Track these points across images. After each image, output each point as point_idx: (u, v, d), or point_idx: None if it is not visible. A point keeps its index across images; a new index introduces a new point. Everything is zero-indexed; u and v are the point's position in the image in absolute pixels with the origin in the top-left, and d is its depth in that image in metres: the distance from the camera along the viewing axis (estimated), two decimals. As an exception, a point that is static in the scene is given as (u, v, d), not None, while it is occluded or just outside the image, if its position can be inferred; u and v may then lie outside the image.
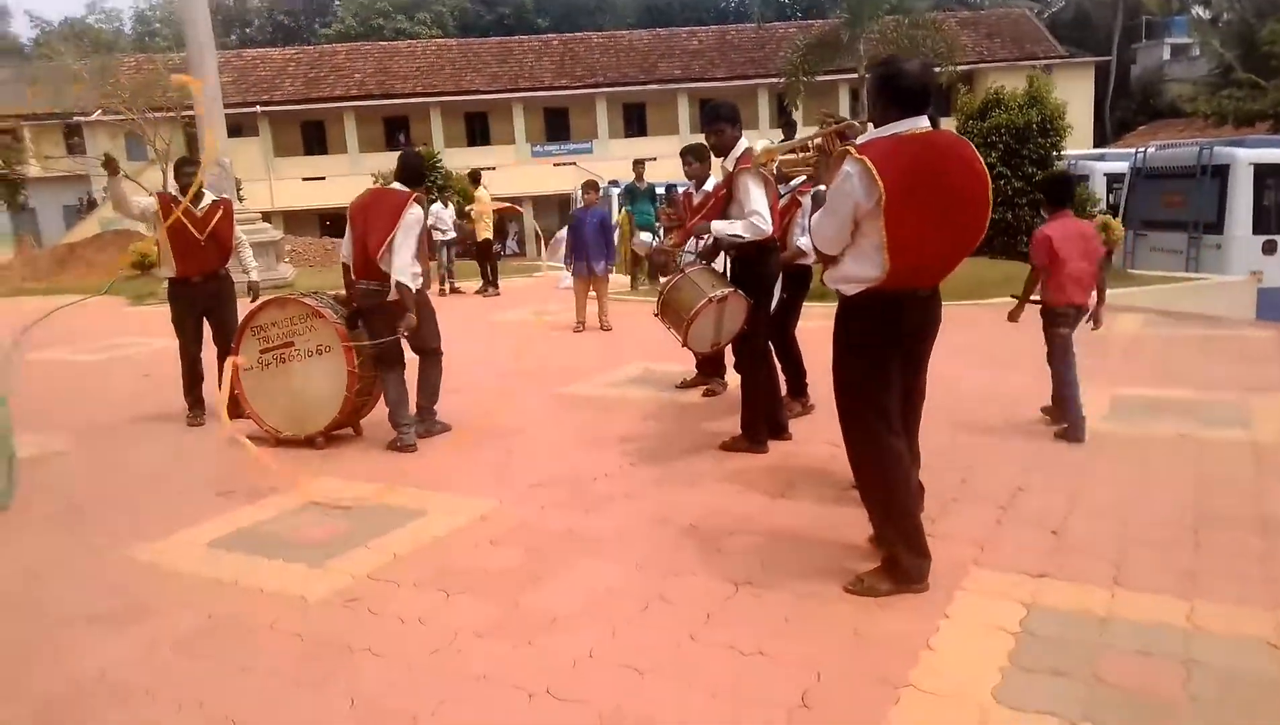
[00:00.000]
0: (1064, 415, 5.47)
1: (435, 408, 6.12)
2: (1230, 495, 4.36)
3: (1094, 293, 5.59)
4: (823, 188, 3.65)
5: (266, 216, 23.45)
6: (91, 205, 34.98)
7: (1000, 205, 14.07)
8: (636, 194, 13.66)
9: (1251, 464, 4.78)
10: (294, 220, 33.48)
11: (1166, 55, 47.35)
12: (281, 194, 34.15)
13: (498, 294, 14.05)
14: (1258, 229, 13.06)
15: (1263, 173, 13.33)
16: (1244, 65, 36.31)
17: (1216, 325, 8.78)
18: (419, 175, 5.97)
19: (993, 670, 2.94)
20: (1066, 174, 11.71)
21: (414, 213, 5.64)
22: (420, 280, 5.79)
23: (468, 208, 14.44)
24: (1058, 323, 5.54)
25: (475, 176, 14.87)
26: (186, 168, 6.63)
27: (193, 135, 26.49)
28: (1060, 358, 5.55)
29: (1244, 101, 32.81)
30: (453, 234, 14.61)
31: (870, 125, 3.56)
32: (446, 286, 14.38)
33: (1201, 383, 6.44)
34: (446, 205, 14.91)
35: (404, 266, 5.53)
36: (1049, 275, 5.48)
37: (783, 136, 8.96)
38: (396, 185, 5.83)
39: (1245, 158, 13.34)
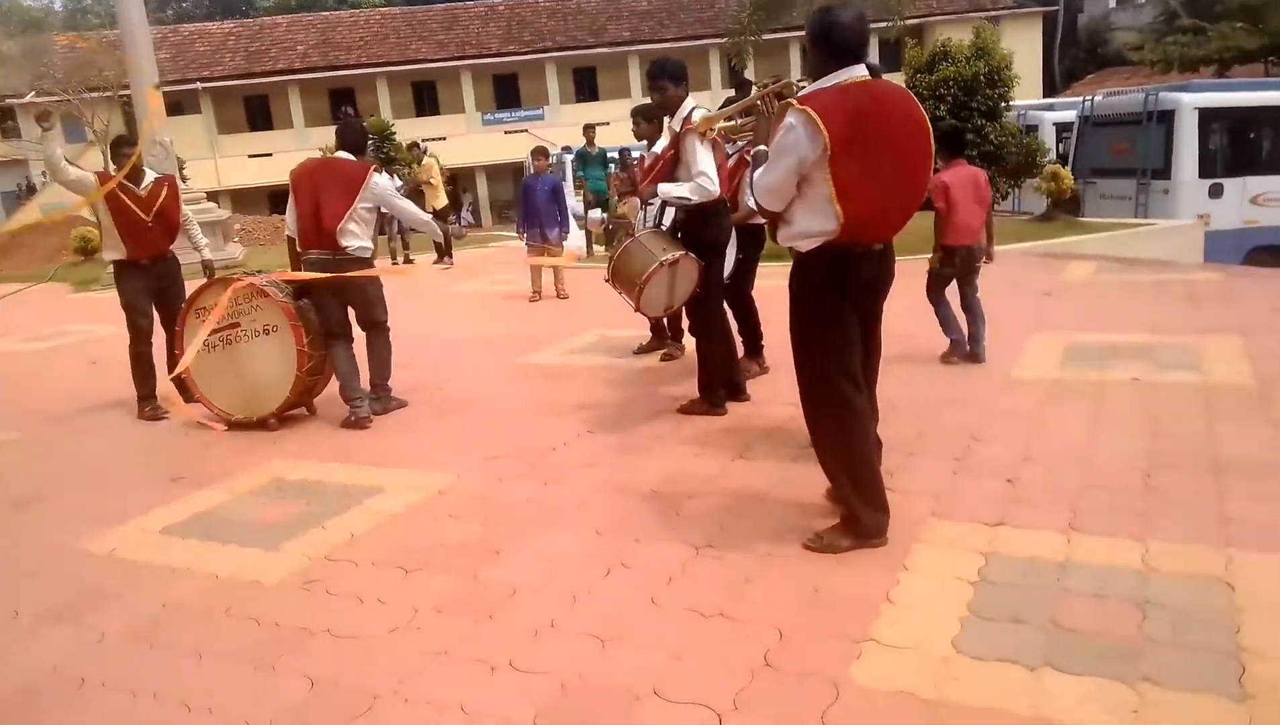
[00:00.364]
0: (953, 343, 6.07)
1: (389, 383, 6.02)
2: (1183, 437, 4.42)
3: (984, 234, 6.12)
4: (763, 148, 3.58)
5: (213, 196, 22.98)
6: (30, 190, 34.03)
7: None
8: (588, 159, 13.54)
9: (1203, 406, 4.84)
10: (242, 198, 32.81)
11: (1112, 3, 47.65)
12: (228, 172, 33.44)
13: (451, 265, 13.87)
14: (1204, 173, 13.22)
15: (1207, 117, 13.46)
16: (1188, 11, 36.60)
17: (1166, 269, 8.89)
18: (362, 142, 5.89)
19: (953, 621, 2.95)
20: (958, 127, 11.91)
21: (380, 180, 5.77)
22: (369, 251, 5.73)
23: (409, 174, 14.26)
24: (947, 262, 6.01)
25: (414, 146, 14.81)
26: (124, 148, 6.36)
27: (132, 114, 25.82)
28: (938, 292, 6.11)
29: (1188, 48, 33.10)
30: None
31: (808, 81, 3.52)
32: (400, 258, 14.14)
33: (1153, 327, 6.52)
34: (391, 176, 14.60)
35: (359, 233, 5.66)
36: (945, 220, 5.90)
37: (736, 97, 8.87)
38: (342, 154, 5.72)
39: (1190, 102, 13.46)
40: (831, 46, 3.30)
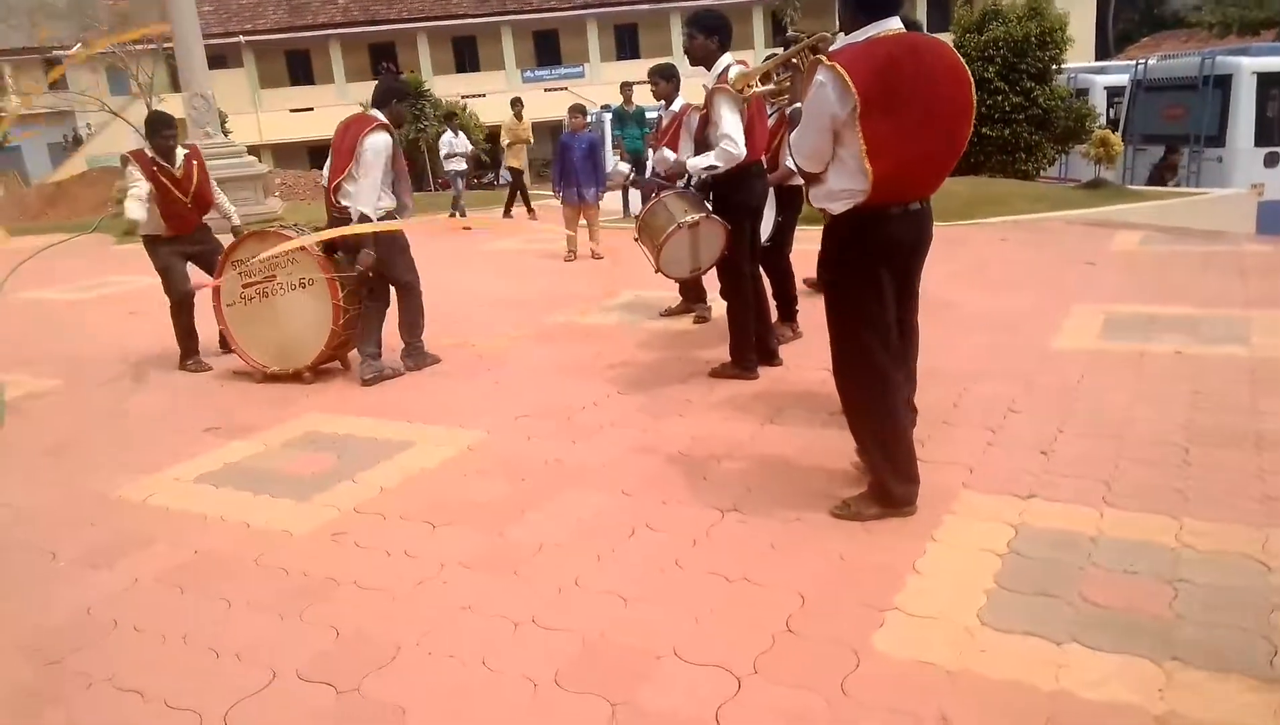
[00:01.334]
0: None
1: (421, 339, 6.01)
2: (1225, 412, 4.32)
3: None
4: (799, 105, 3.49)
5: (254, 150, 23.08)
6: (78, 141, 34.45)
7: (998, 121, 13.76)
8: (625, 118, 13.40)
9: (1248, 381, 4.72)
10: (282, 153, 33.02)
11: (1171, -36, 46.17)
12: (269, 127, 33.66)
13: (535, 218, 14.12)
14: (1260, 141, 12.83)
15: (1267, 82, 13.03)
16: (1250, -28, 35.45)
17: (1216, 240, 8.66)
18: (387, 96, 5.67)
19: (978, 593, 2.92)
20: None
21: (372, 140, 5.41)
22: (381, 210, 5.51)
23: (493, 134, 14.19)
24: None
25: (517, 102, 14.48)
26: (165, 130, 6.18)
27: (175, 68, 25.98)
28: None
29: (1249, 9, 32.10)
30: (463, 166, 14.53)
31: (841, 34, 3.42)
32: (457, 214, 14.24)
33: (1199, 299, 6.36)
34: (457, 133, 14.65)
35: (360, 195, 5.40)
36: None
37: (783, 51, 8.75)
38: (374, 111, 5.67)
39: (1249, 67, 13.04)
40: None
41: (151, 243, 6.32)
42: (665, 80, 5.92)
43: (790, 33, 12.12)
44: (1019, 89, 13.43)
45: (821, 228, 3.55)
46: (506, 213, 14.45)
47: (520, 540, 3.53)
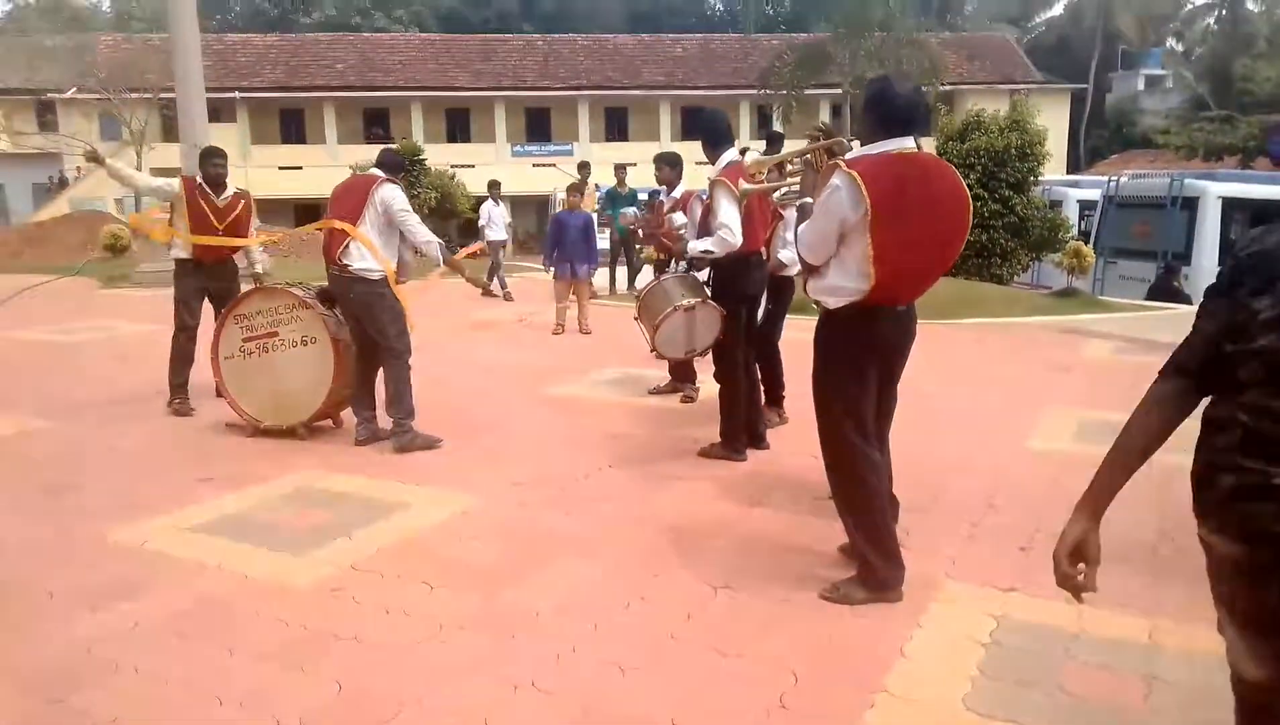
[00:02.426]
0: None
1: (408, 420, 5.71)
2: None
3: None
4: (809, 200, 3.74)
5: (243, 203, 23.25)
6: (63, 184, 34.47)
7: (975, 227, 14.26)
8: (618, 199, 13.72)
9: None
10: (268, 209, 33.00)
11: (1141, 85, 48.31)
12: (257, 182, 33.68)
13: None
14: (1224, 261, 13.36)
15: (1231, 206, 13.66)
16: (1216, 99, 37.14)
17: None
18: (397, 168, 5.89)
19: (963, 679, 3.04)
20: None
21: (389, 190, 5.60)
22: (380, 272, 5.56)
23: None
24: None
25: (584, 166, 14.00)
26: (215, 159, 6.66)
27: (170, 117, 26.28)
28: None
29: (1215, 135, 33.54)
30: (504, 235, 13.97)
31: (857, 142, 3.68)
32: (500, 292, 13.35)
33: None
34: (498, 202, 14.11)
35: (415, 233, 5.60)
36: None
37: (766, 149, 9.10)
38: (374, 170, 5.81)
39: (1215, 191, 13.67)
40: (884, 115, 3.46)
41: (180, 268, 6.67)
42: (670, 167, 6.21)
43: (780, 131, 12.62)
44: (997, 197, 13.95)
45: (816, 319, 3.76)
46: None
47: (516, 605, 3.61)
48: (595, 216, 13.52)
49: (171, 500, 4.76)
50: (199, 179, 6.59)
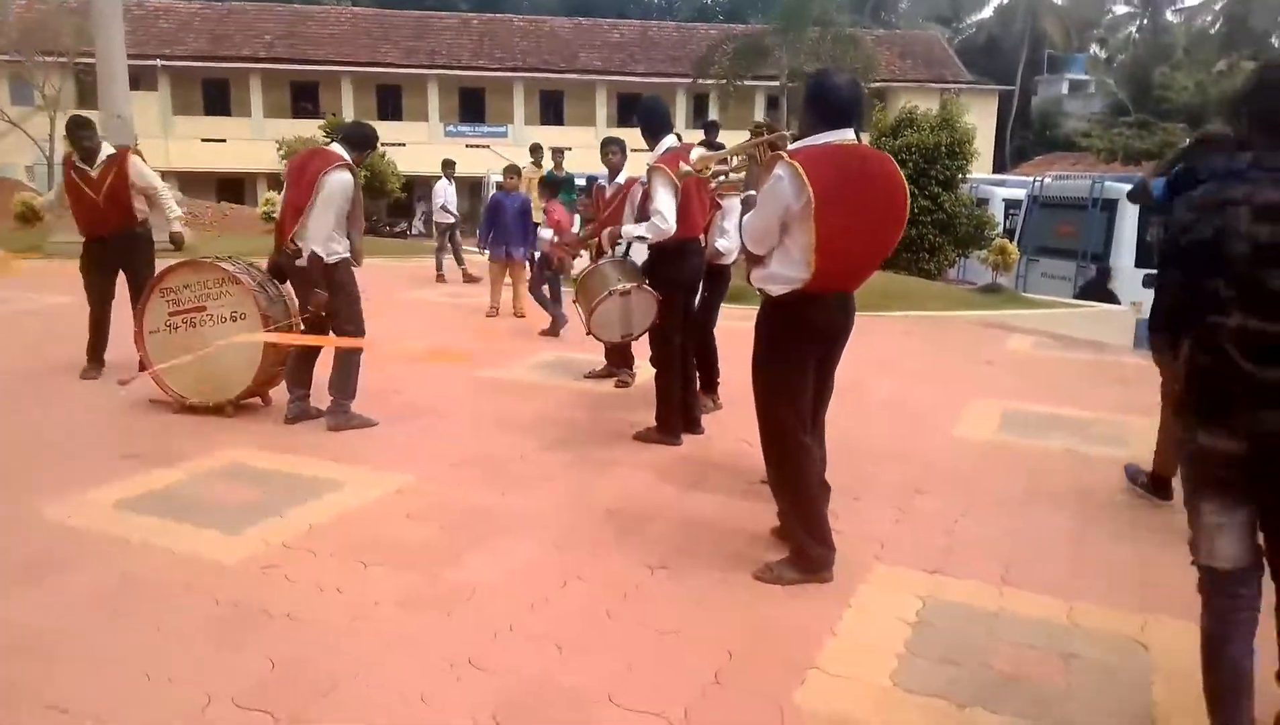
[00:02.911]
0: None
1: (347, 400, 5.66)
2: (1108, 506, 4.69)
3: None
4: (753, 192, 3.80)
5: (162, 176, 22.58)
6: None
7: (906, 222, 14.49)
8: (557, 183, 13.63)
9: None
10: (190, 181, 32.19)
11: (1065, 90, 49.73)
12: (178, 154, 32.84)
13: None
14: (1140, 262, 13.83)
15: (1147, 210, 14.13)
16: (1135, 105, 38.41)
17: (1100, 350, 9.32)
18: (366, 142, 5.63)
19: (891, 657, 3.14)
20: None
21: (336, 177, 5.32)
22: (340, 254, 5.46)
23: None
24: None
25: (535, 149, 13.73)
26: (82, 131, 6.39)
27: (86, 83, 25.31)
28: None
29: (1134, 139, 34.70)
30: (454, 218, 13.63)
31: (797, 135, 3.75)
32: (461, 271, 13.30)
33: (1086, 403, 6.86)
34: (451, 181, 13.78)
35: (317, 234, 5.30)
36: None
37: (704, 138, 9.16)
38: (335, 147, 5.58)
39: (1132, 193, 14.11)
40: (825, 107, 3.53)
41: (83, 248, 6.57)
42: (620, 152, 6.22)
43: (716, 120, 12.69)
44: (927, 193, 14.27)
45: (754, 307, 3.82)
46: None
47: (453, 583, 3.61)
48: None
49: (95, 476, 4.63)
50: (74, 156, 6.40)
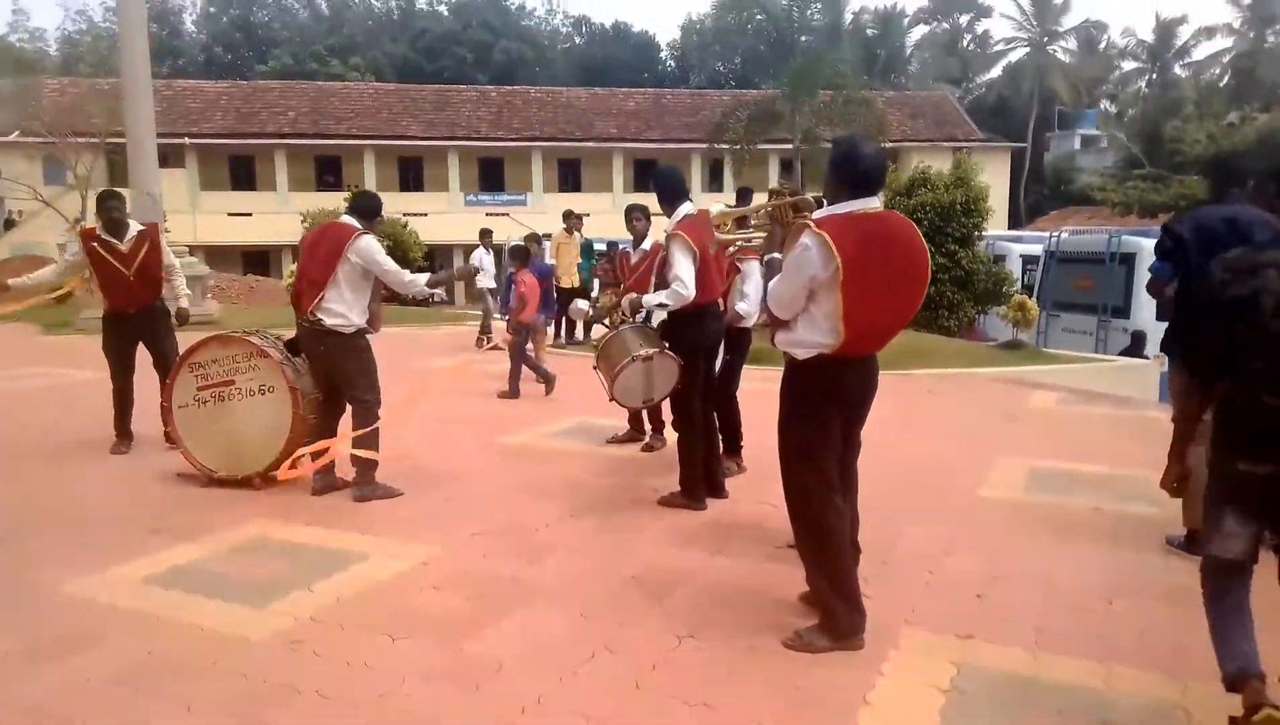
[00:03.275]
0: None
1: (373, 471, 5.67)
2: (1140, 567, 4.62)
3: None
4: (777, 255, 3.83)
5: (190, 250, 23.01)
6: (9, 225, 33.69)
7: (923, 280, 14.52)
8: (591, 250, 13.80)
9: (1159, 539, 5.06)
10: (216, 255, 32.75)
11: (1077, 145, 50.02)
12: (205, 228, 33.46)
13: (581, 341, 13.29)
14: (1161, 316, 13.78)
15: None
16: (1148, 159, 38.57)
17: (1125, 405, 9.26)
18: (374, 212, 5.76)
19: (927, 725, 3.08)
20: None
21: (367, 242, 5.49)
22: (358, 325, 5.55)
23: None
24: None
25: (568, 216, 13.65)
26: (110, 202, 6.55)
27: (117, 162, 25.96)
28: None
29: (1148, 192, 34.79)
30: (491, 283, 13.57)
31: (824, 200, 3.79)
32: (484, 340, 13.16)
33: (1113, 459, 6.79)
34: (489, 251, 13.74)
35: (338, 305, 5.42)
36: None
37: (736, 203, 9.32)
38: (346, 218, 5.69)
39: (1150, 247, 14.11)
40: (850, 176, 3.58)
41: (103, 322, 6.64)
42: (645, 219, 6.31)
43: (774, 185, 12.90)
44: (944, 251, 14.33)
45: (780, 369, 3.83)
46: (570, 337, 13.52)
47: (480, 657, 3.58)
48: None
49: (122, 552, 4.65)
50: (99, 228, 6.49)
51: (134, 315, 6.55)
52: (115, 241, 6.43)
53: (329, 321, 5.46)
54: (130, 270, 6.42)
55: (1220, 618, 2.96)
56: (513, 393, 9.27)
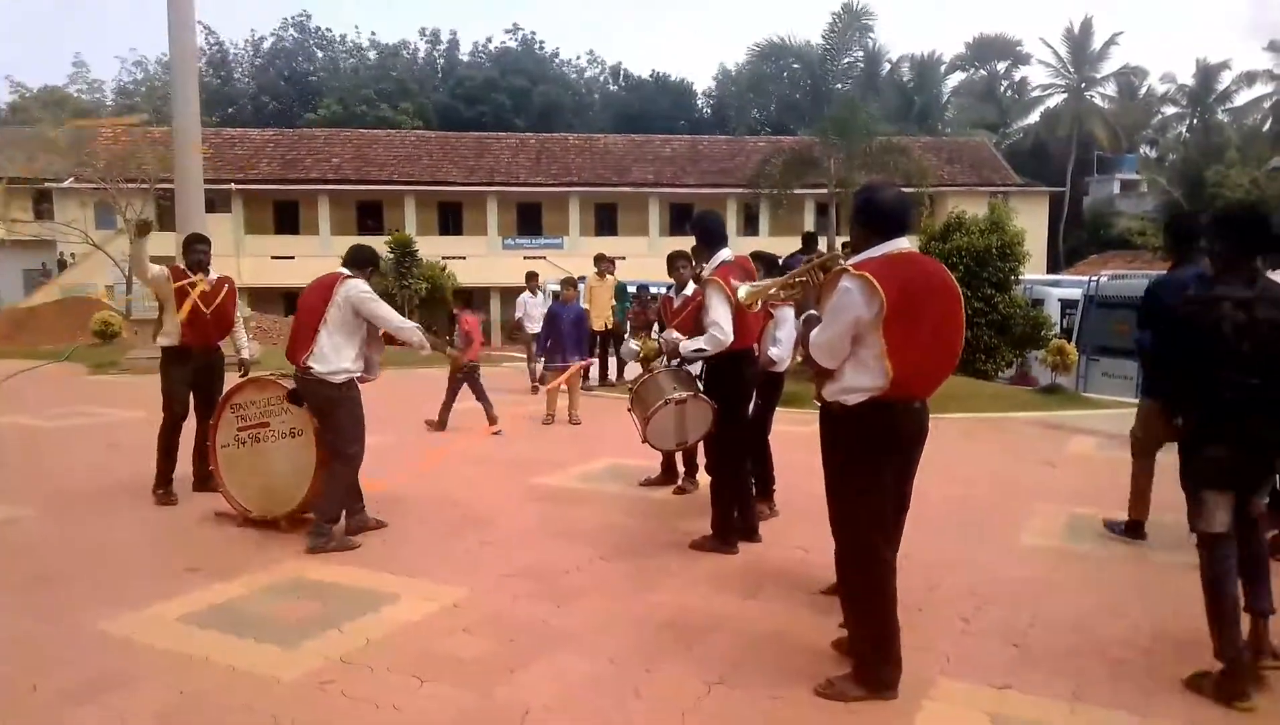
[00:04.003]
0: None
1: (329, 522, 5.50)
2: (1182, 617, 4.50)
3: None
4: (814, 312, 3.78)
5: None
6: (61, 266, 34.57)
7: (959, 324, 14.44)
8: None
9: (1198, 587, 4.93)
10: (260, 296, 33.38)
11: (1116, 189, 49.61)
12: (249, 271, 34.01)
13: (613, 383, 13.34)
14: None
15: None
16: (1190, 203, 38.13)
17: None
18: (367, 262, 5.78)
19: (960, 778, 3.02)
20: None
21: (355, 285, 5.51)
22: (350, 373, 5.51)
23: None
24: None
25: (599, 259, 13.78)
26: (198, 245, 6.80)
27: (165, 207, 26.63)
28: None
29: (1188, 238, 34.28)
30: (537, 328, 13.13)
31: (850, 251, 3.78)
32: (531, 384, 12.97)
33: (1152, 506, 6.64)
34: (535, 293, 13.92)
35: (328, 353, 5.40)
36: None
37: (801, 249, 9.48)
38: (341, 270, 5.70)
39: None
40: (877, 220, 3.60)
41: (165, 357, 6.64)
42: (689, 266, 6.33)
43: (814, 231, 13.00)
44: (980, 295, 14.24)
45: (817, 413, 3.80)
46: (603, 379, 13.57)
47: (508, 701, 3.57)
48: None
49: (158, 591, 4.71)
50: (184, 267, 6.71)
51: (198, 352, 6.68)
52: (199, 278, 6.62)
53: (319, 369, 5.42)
54: (209, 310, 6.60)
55: (1219, 612, 3.74)
56: (440, 425, 9.58)
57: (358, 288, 5.55)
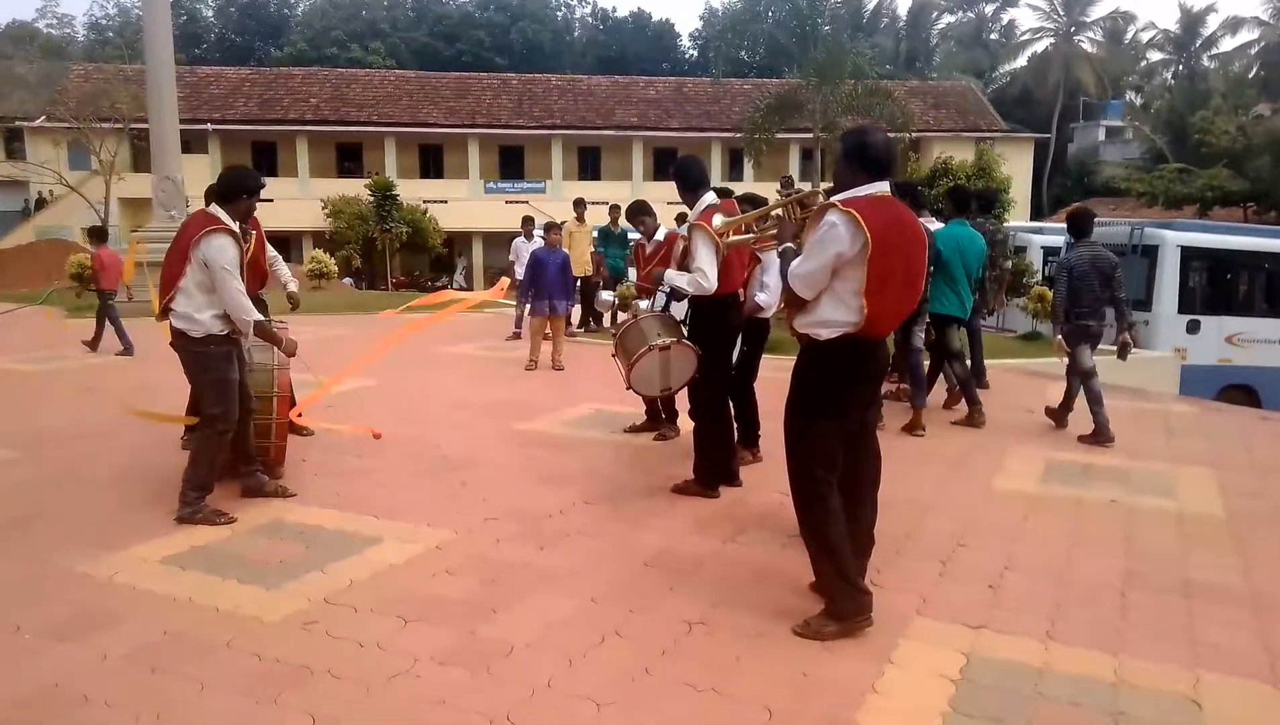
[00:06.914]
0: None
1: (195, 492, 4.94)
2: (1156, 560, 4.60)
3: None
4: (791, 245, 3.87)
5: (213, 235, 23.13)
6: (40, 205, 33.95)
7: (942, 270, 14.45)
8: (610, 237, 13.81)
9: (1175, 531, 5.04)
10: (239, 240, 33.06)
11: (1101, 136, 49.51)
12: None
13: (595, 328, 13.34)
14: (1183, 308, 13.68)
15: (1189, 255, 13.99)
16: (1173, 151, 38.12)
17: (1143, 398, 9.19)
18: (235, 191, 5.02)
19: (934, 715, 3.09)
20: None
21: (216, 243, 4.78)
22: (208, 328, 4.88)
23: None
24: None
25: (578, 203, 13.81)
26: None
27: (140, 148, 26.19)
28: None
29: (1173, 184, 34.36)
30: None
31: (830, 189, 3.82)
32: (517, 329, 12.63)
33: (1130, 452, 6.75)
34: (530, 239, 13.15)
35: (186, 306, 4.84)
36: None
37: (780, 190, 9.41)
38: (213, 208, 4.98)
39: (1173, 240, 14.00)
40: (864, 162, 3.65)
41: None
42: (650, 217, 6.29)
43: (783, 177, 12.91)
44: (964, 241, 14.23)
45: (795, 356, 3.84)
46: (585, 324, 13.54)
47: (491, 639, 3.61)
48: (590, 253, 13.44)
49: (140, 533, 4.71)
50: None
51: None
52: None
53: (177, 322, 4.89)
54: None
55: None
56: (127, 350, 10.47)
57: (217, 245, 4.79)
